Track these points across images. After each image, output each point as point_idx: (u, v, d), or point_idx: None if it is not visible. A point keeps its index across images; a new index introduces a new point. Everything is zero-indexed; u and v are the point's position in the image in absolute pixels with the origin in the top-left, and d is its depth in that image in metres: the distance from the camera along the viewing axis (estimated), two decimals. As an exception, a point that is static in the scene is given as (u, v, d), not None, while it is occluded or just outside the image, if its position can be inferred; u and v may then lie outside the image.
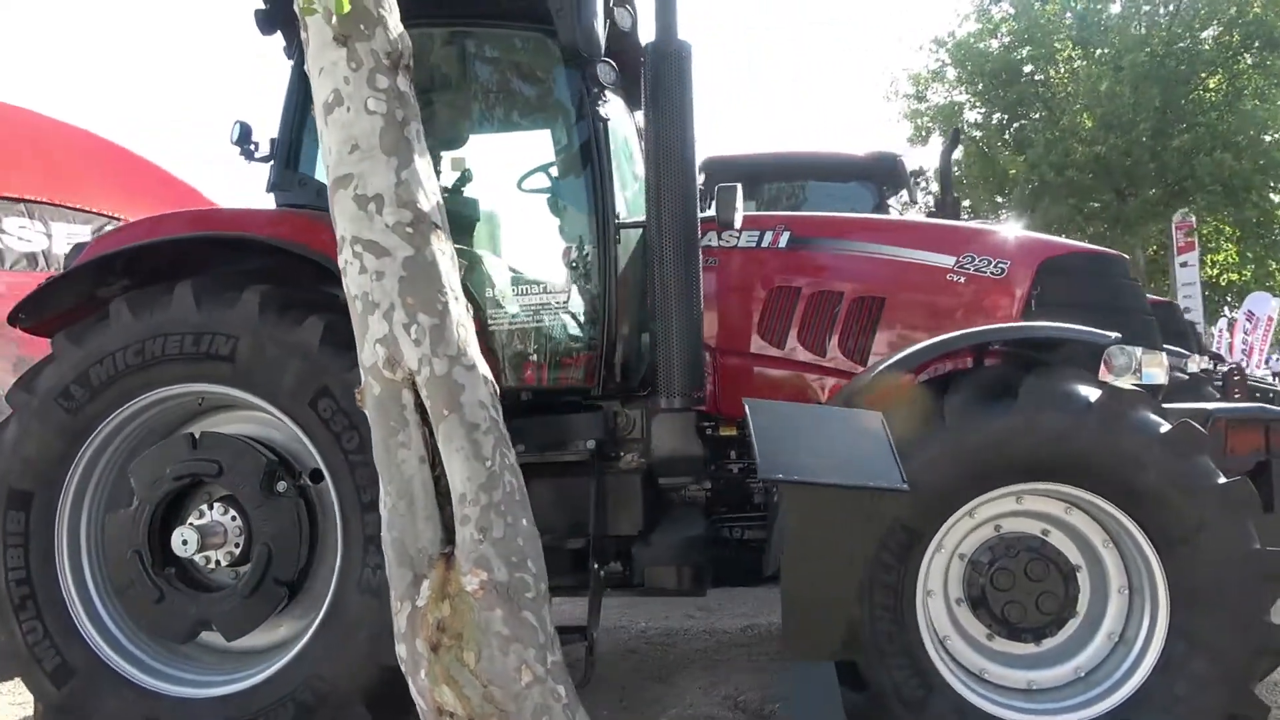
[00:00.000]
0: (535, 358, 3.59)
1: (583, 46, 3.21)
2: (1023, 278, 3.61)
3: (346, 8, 2.45)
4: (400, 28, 2.63)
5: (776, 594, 2.56)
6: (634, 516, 3.41)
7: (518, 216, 4.22)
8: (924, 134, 23.04)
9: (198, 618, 3.24)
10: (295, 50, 3.66)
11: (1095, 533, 3.02)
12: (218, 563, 3.24)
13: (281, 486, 3.26)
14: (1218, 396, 6.76)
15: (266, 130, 3.80)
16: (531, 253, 4.12)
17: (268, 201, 3.80)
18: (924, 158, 25.25)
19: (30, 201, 6.31)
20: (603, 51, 3.30)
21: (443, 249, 2.56)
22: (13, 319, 3.46)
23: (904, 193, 7.35)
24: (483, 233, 4.04)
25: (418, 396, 2.46)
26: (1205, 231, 22.63)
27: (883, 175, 7.18)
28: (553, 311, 3.60)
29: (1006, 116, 22.67)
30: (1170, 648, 2.84)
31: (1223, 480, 2.79)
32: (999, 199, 22.93)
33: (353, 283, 2.52)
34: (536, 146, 3.99)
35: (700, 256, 3.38)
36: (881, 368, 3.15)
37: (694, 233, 3.32)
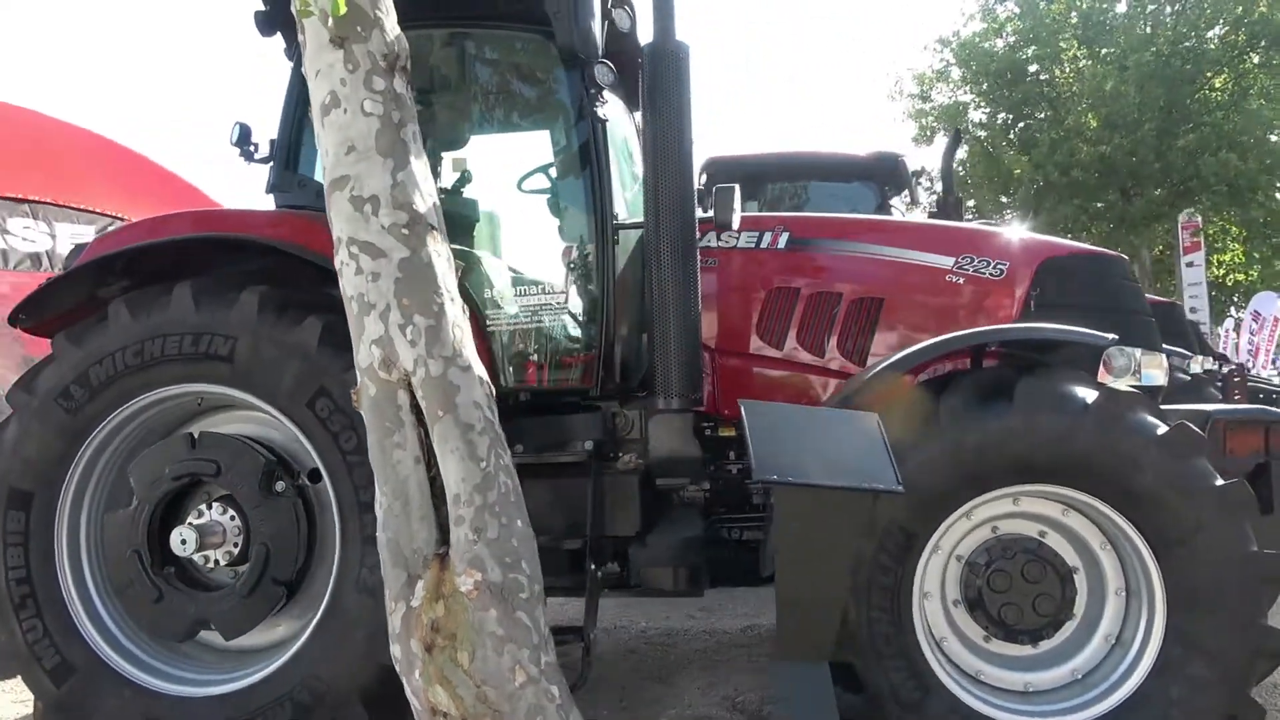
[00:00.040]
0: (534, 358, 3.59)
1: (580, 48, 3.21)
2: (1022, 279, 3.60)
3: (343, 10, 2.46)
4: (397, 29, 2.64)
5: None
6: (632, 517, 3.41)
7: (517, 217, 4.24)
8: (929, 134, 22.98)
9: (196, 617, 3.25)
10: (295, 51, 3.67)
11: (1093, 534, 3.02)
12: (216, 562, 3.25)
13: (280, 486, 3.27)
14: (1220, 398, 6.75)
15: (266, 131, 3.82)
16: (530, 253, 4.15)
17: (269, 202, 3.81)
18: (929, 158, 25.22)
19: (34, 202, 6.33)
20: (600, 53, 3.30)
21: (439, 250, 2.57)
22: (13, 319, 3.47)
23: (906, 193, 7.33)
24: (482, 233, 4.05)
25: (413, 397, 2.47)
26: (1211, 231, 22.56)
27: (885, 175, 7.18)
28: (551, 312, 3.60)
29: (1011, 116, 22.60)
30: (1167, 650, 2.83)
31: (1220, 482, 2.78)
32: (1003, 199, 22.87)
33: (349, 284, 2.53)
34: (535, 148, 4.00)
35: (698, 257, 3.38)
36: (878, 369, 3.15)
37: (692, 234, 3.32)
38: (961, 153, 22.73)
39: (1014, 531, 3.04)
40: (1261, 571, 2.77)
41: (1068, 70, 21.65)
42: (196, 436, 3.29)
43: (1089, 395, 2.85)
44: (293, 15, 2.57)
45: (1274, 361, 18.16)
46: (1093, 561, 3.03)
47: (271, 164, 3.76)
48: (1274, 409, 3.46)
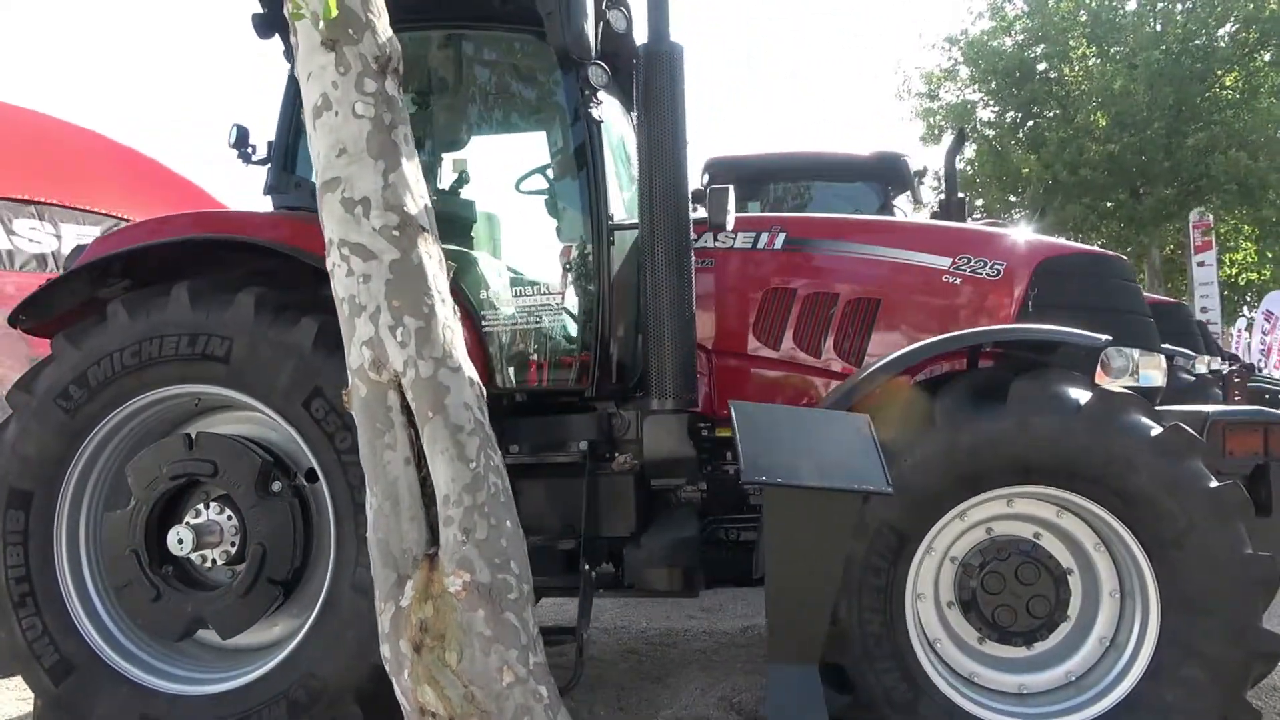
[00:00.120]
0: (529, 359, 3.60)
1: (573, 49, 3.22)
2: (1019, 279, 3.59)
3: (334, 12, 2.47)
4: (389, 32, 2.65)
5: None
6: (627, 518, 3.41)
7: (512, 218, 4.24)
8: (936, 133, 22.89)
9: (193, 616, 3.26)
10: (292, 54, 3.68)
11: (1087, 536, 3.01)
12: (214, 562, 3.27)
13: (276, 487, 3.28)
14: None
15: (265, 132, 3.84)
16: (526, 254, 4.15)
17: (271, 203, 3.83)
18: (937, 157, 25.09)
19: (40, 203, 6.36)
20: (594, 54, 3.30)
21: (430, 252, 2.58)
22: (13, 320, 3.50)
23: (910, 192, 7.31)
24: (478, 234, 4.06)
25: (403, 398, 2.48)
26: (1223, 231, 22.41)
27: (887, 175, 7.16)
28: (547, 313, 3.61)
29: (1020, 115, 22.50)
30: (1161, 653, 2.82)
31: (1214, 484, 2.77)
32: (1012, 198, 22.77)
33: (340, 285, 2.54)
34: (531, 149, 4.01)
35: (692, 258, 3.38)
36: (871, 370, 3.14)
37: (686, 234, 3.32)
38: (970, 151, 22.65)
39: (1008, 533, 3.03)
40: (1256, 574, 2.75)
41: (1077, 69, 21.54)
42: (194, 437, 3.31)
43: (1082, 396, 2.85)
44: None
45: (1286, 361, 18.02)
46: (1087, 563, 3.02)
47: (269, 166, 3.77)
48: (1273, 410, 3.43)
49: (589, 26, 3.21)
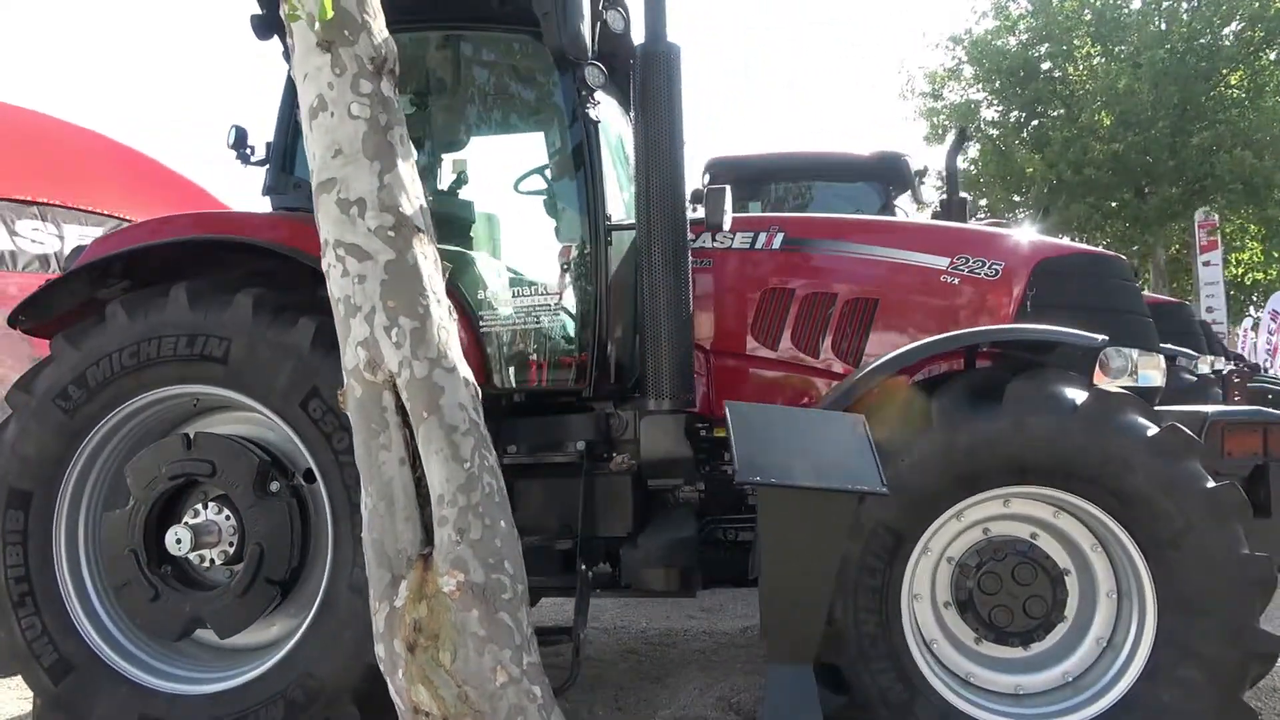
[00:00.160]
0: (526, 359, 3.61)
1: (569, 50, 3.22)
2: (1018, 279, 3.59)
3: (330, 14, 2.48)
4: (385, 33, 2.66)
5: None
6: (624, 518, 3.42)
7: (510, 218, 4.25)
8: (940, 132, 22.82)
9: (192, 616, 3.27)
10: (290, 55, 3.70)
11: (1084, 536, 3.00)
12: (212, 561, 3.28)
13: (274, 487, 3.29)
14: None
15: (265, 132, 3.85)
16: (523, 254, 4.15)
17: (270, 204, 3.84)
18: (941, 157, 25.01)
19: (43, 204, 6.37)
20: (591, 55, 3.30)
21: (425, 252, 2.58)
22: (13, 321, 3.51)
23: (911, 192, 7.30)
24: (475, 234, 4.07)
25: (398, 398, 2.49)
26: (1229, 230, 22.33)
27: (888, 175, 7.15)
28: (544, 313, 3.61)
29: (1024, 114, 22.41)
30: (1158, 653, 2.81)
31: (1211, 484, 2.76)
32: (1016, 198, 22.71)
33: (336, 286, 2.55)
34: (528, 149, 4.02)
35: (689, 258, 3.39)
36: (868, 370, 3.14)
37: (683, 235, 3.32)
38: (974, 151, 22.58)
39: (1005, 533, 3.02)
40: (1253, 574, 2.74)
41: (1081, 68, 21.47)
42: (192, 437, 3.32)
43: (1079, 396, 2.84)
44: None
45: (1293, 361, 17.95)
46: (1084, 564, 3.01)
47: (268, 166, 3.78)
48: (1272, 410, 3.42)
49: (585, 27, 3.21)
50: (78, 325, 3.40)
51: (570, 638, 3.17)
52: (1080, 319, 3.23)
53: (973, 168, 22.72)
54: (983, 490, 2.94)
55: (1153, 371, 3.53)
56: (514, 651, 2.36)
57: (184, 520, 3.27)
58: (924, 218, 7.54)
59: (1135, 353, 3.49)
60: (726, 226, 3.52)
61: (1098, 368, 3.43)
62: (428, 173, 3.98)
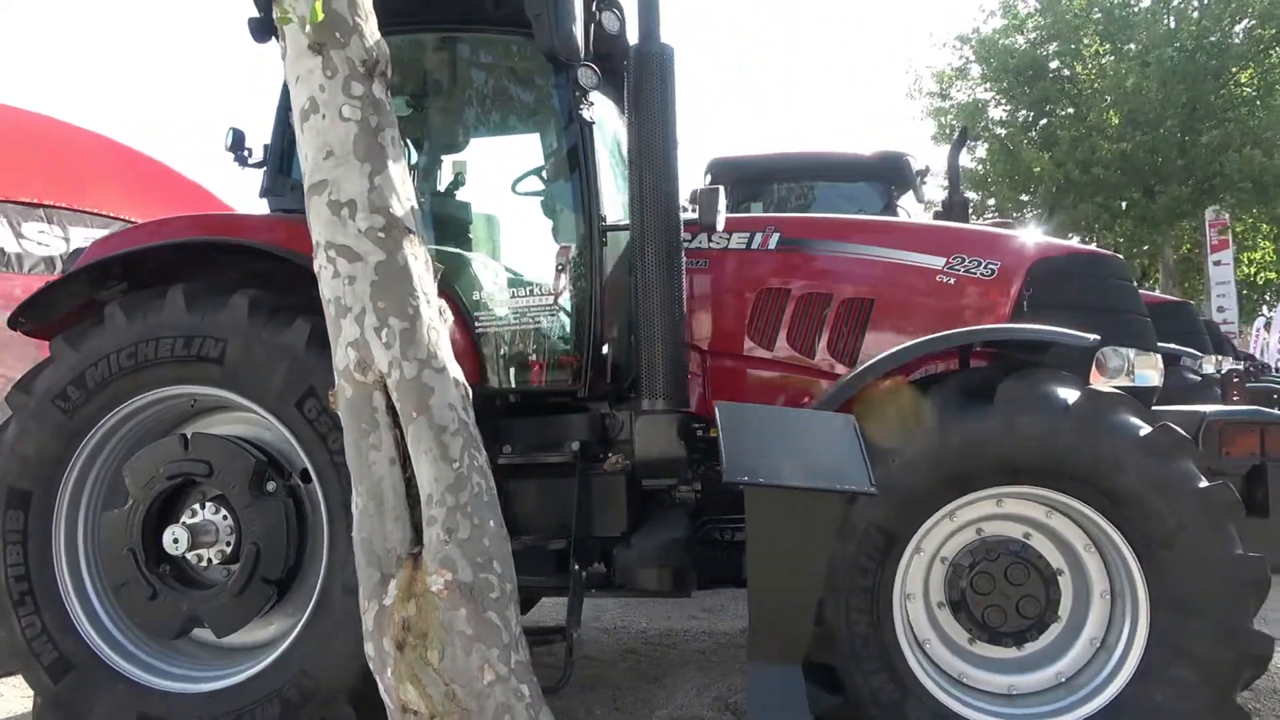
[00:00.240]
0: (521, 359, 3.62)
1: (561, 52, 3.22)
2: (1014, 279, 3.57)
3: (320, 17, 2.50)
4: (377, 35, 2.67)
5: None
6: (618, 518, 3.42)
7: (505, 220, 4.27)
8: (948, 132, 22.75)
9: (189, 615, 3.29)
10: (286, 57, 3.72)
11: (1077, 536, 2.99)
12: (210, 561, 3.31)
13: (271, 487, 3.31)
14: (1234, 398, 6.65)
15: (263, 134, 3.88)
16: (519, 255, 4.17)
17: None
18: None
19: (49, 206, 6.42)
20: (583, 56, 3.31)
21: (415, 253, 2.60)
22: (13, 322, 3.54)
23: (912, 192, 7.28)
24: (470, 235, 4.08)
25: (389, 399, 2.50)
26: (1241, 230, 22.20)
27: (890, 175, 7.13)
28: (538, 314, 3.62)
29: (1032, 114, 22.35)
30: (1150, 654, 2.81)
31: (1203, 484, 2.75)
32: (1024, 197, 22.62)
33: (327, 287, 2.57)
34: (523, 150, 4.03)
35: (683, 259, 3.39)
36: (860, 370, 3.14)
37: (676, 235, 3.33)
38: (981, 150, 22.52)
39: (998, 533, 3.02)
40: (1246, 575, 2.73)
41: (1089, 66, 21.39)
42: (189, 437, 3.34)
43: (1070, 396, 2.83)
44: (283, 21, 2.61)
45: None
46: (1078, 564, 3.01)
47: (265, 168, 3.81)
48: (1270, 410, 3.40)
49: (578, 29, 3.22)
50: (76, 327, 3.43)
51: (563, 637, 3.17)
52: (1077, 319, 3.22)
53: (980, 167, 22.66)
54: (975, 490, 2.94)
55: (1150, 371, 3.51)
56: (502, 650, 2.37)
57: (181, 520, 3.30)
58: (926, 217, 7.52)
59: (1132, 352, 3.48)
60: (720, 227, 3.53)
61: (1094, 367, 3.42)
62: (425, 174, 4.00)
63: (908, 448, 2.85)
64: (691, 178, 7.25)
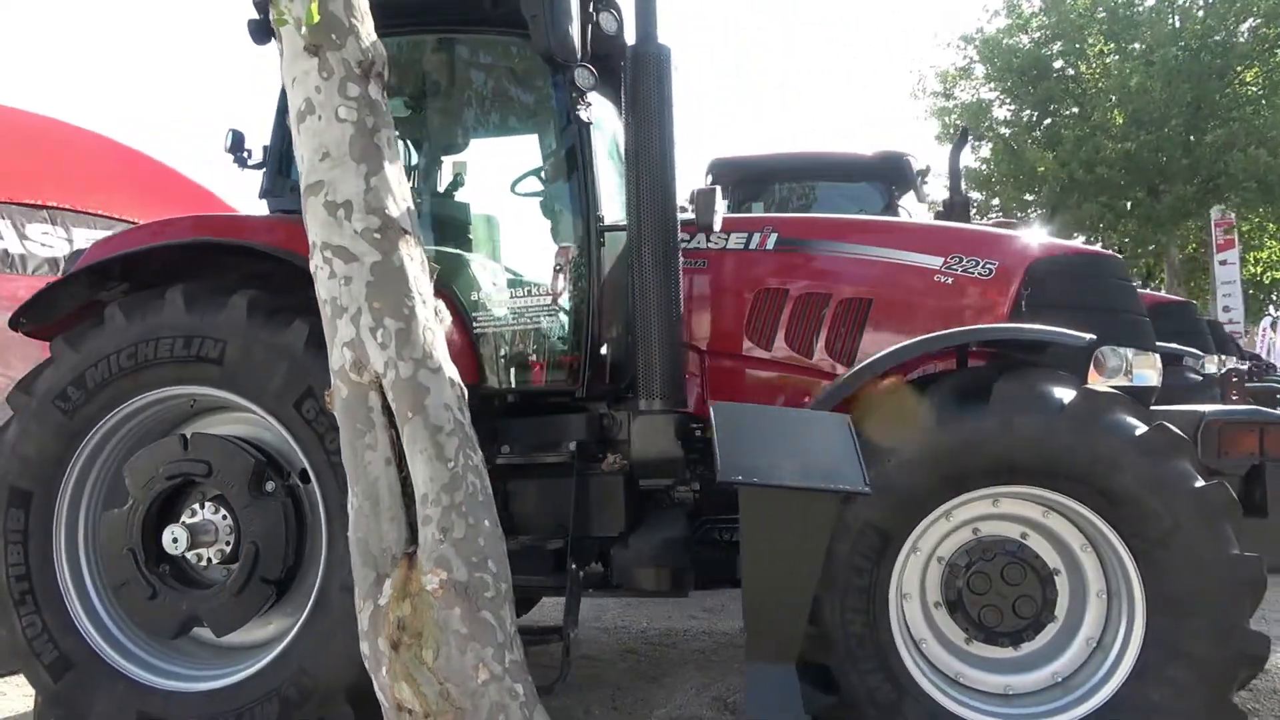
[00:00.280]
0: (519, 359, 3.62)
1: (557, 53, 3.23)
2: (1011, 278, 3.56)
3: (316, 18, 2.51)
4: (373, 36, 2.68)
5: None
6: (616, 518, 3.42)
7: (503, 220, 4.27)
8: (952, 131, 22.73)
9: (189, 614, 3.31)
10: (284, 59, 3.73)
11: (1073, 536, 2.99)
12: (209, 560, 3.32)
13: (270, 486, 3.33)
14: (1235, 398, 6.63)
15: (263, 135, 3.89)
16: (517, 255, 4.18)
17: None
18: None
19: (52, 208, 6.45)
20: (579, 57, 3.32)
21: (411, 254, 2.61)
22: (13, 323, 3.56)
23: (913, 192, 7.28)
24: (469, 236, 4.09)
25: (384, 399, 2.51)
26: (1247, 229, 22.12)
27: (891, 175, 7.13)
28: (537, 314, 3.63)
29: (1036, 113, 22.31)
30: (1147, 653, 2.80)
31: (1199, 483, 2.75)
32: (1028, 197, 22.58)
33: (323, 287, 2.58)
34: (521, 151, 4.04)
35: (680, 259, 3.39)
36: (856, 370, 3.14)
37: (673, 235, 3.33)
38: (985, 150, 22.48)
39: (995, 533, 3.02)
40: (1243, 574, 2.72)
41: (1093, 66, 21.34)
42: (189, 438, 3.35)
43: (1066, 395, 2.83)
44: (282, 23, 2.62)
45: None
46: (1074, 563, 3.00)
47: (265, 169, 3.82)
48: (1269, 410, 3.39)
49: (574, 29, 3.23)
50: (77, 328, 3.45)
51: (560, 636, 3.18)
52: (1075, 318, 3.21)
53: (985, 167, 22.62)
54: (971, 490, 2.93)
55: (1148, 371, 3.50)
56: (496, 649, 2.38)
57: (181, 520, 3.31)
58: (928, 217, 7.51)
59: (1130, 352, 3.47)
60: (717, 227, 3.53)
61: (1093, 367, 3.41)
62: (424, 175, 4.01)
63: (904, 447, 2.85)
64: (690, 178, 7.26)
